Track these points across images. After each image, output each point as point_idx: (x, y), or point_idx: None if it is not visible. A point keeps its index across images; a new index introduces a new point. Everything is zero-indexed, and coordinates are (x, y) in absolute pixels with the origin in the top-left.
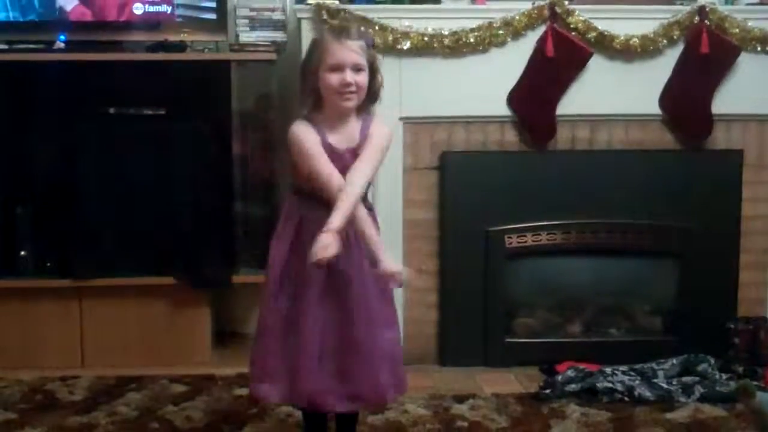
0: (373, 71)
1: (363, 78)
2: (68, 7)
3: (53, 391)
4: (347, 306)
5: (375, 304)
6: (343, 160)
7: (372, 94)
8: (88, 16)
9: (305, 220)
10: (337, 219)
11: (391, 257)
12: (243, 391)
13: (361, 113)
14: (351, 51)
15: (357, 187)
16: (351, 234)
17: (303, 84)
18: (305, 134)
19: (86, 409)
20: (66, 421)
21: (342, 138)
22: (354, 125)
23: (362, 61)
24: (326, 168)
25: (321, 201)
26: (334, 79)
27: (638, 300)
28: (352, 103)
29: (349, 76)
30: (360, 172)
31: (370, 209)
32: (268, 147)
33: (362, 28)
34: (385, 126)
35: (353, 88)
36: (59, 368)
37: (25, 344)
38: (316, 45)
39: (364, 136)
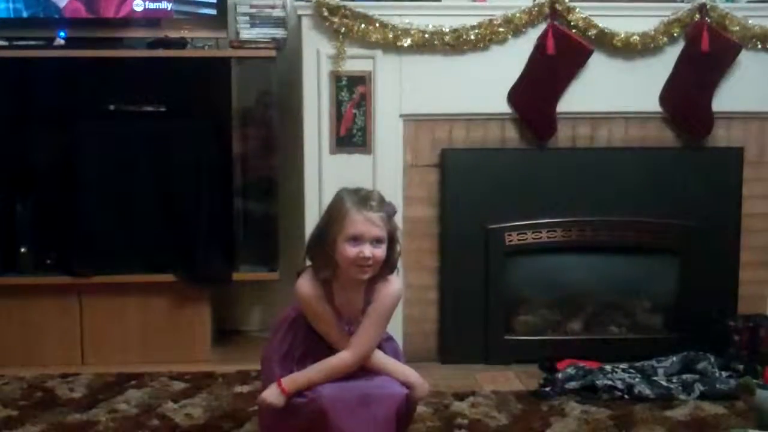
0: (392, 242)
1: (381, 252)
2: (61, 3)
3: (53, 388)
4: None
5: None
6: (349, 325)
7: (389, 264)
8: (82, 11)
9: (309, 337)
10: (293, 382)
11: (414, 378)
12: (243, 389)
13: (370, 281)
14: (372, 224)
15: (340, 366)
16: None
17: (318, 246)
18: (313, 301)
19: (86, 406)
20: (66, 419)
21: (348, 301)
22: (361, 292)
23: (383, 234)
24: (334, 335)
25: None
26: (351, 251)
27: (638, 297)
28: (366, 276)
29: (368, 250)
30: (355, 351)
31: (389, 338)
32: (268, 144)
33: (383, 198)
34: (391, 290)
35: (370, 262)
36: (59, 365)
37: (25, 341)
38: (337, 212)
39: (367, 302)
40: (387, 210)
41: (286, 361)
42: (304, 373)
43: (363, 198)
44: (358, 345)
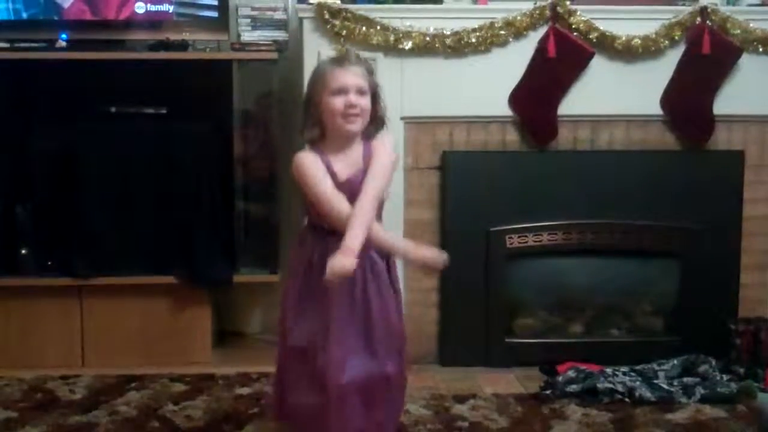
0: (375, 97)
1: (366, 101)
2: (65, 4)
3: (54, 389)
4: (371, 334)
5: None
6: (349, 187)
7: (377, 119)
8: (87, 13)
9: (319, 253)
10: (353, 239)
11: (421, 246)
12: (243, 391)
13: (364, 138)
14: (353, 75)
15: (367, 209)
16: (367, 263)
17: (307, 115)
18: (310, 163)
19: (86, 408)
20: (66, 420)
21: (346, 164)
22: (357, 150)
23: (365, 84)
24: (332, 196)
25: (335, 234)
26: (338, 102)
27: (639, 301)
28: (356, 126)
29: (353, 98)
30: (368, 195)
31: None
32: (269, 146)
33: (361, 56)
34: (387, 145)
35: (357, 110)
36: (60, 367)
37: (25, 343)
38: (318, 73)
39: (367, 159)
40: (365, 65)
41: (308, 268)
42: (350, 234)
43: (340, 57)
44: (367, 190)
